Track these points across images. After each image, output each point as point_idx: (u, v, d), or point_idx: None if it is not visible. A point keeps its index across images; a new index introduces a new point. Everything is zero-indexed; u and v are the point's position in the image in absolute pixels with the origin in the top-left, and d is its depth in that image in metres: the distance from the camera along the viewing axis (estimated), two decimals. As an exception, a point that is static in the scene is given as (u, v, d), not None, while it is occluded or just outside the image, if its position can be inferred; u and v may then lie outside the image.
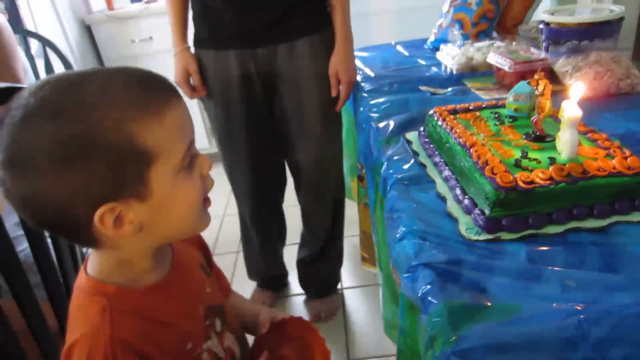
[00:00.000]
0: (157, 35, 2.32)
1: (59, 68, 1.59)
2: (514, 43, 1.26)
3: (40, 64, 1.63)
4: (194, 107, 2.31)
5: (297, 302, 1.64)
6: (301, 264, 1.58)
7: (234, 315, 0.69)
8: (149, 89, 0.48)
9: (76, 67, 2.02)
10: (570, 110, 0.62)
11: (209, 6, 1.15)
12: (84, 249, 1.48)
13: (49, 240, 0.77)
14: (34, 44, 1.75)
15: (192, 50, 1.24)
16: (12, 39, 1.22)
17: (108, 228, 0.47)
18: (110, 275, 0.52)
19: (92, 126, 0.44)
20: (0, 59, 1.15)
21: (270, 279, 1.64)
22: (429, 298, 0.53)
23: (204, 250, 0.70)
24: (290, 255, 1.62)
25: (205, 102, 1.31)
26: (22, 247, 0.99)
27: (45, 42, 1.60)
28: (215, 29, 1.18)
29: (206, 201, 0.55)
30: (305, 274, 1.59)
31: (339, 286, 1.65)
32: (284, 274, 1.68)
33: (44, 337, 0.74)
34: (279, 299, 1.66)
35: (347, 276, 1.71)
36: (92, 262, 0.54)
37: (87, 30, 2.36)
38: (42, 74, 1.62)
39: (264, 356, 0.63)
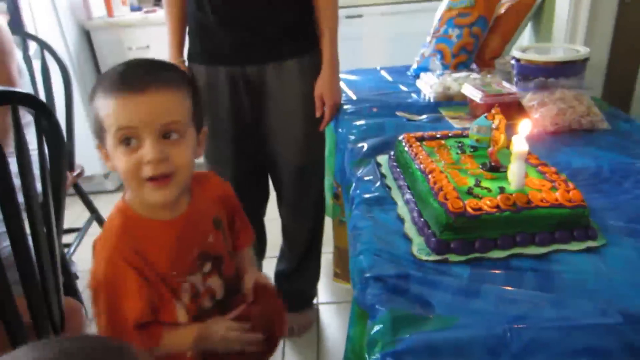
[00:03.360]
0: (154, 45, 2.38)
1: (55, 70, 1.64)
2: (489, 76, 1.33)
3: (37, 65, 1.67)
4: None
5: (273, 314, 1.66)
6: (279, 276, 1.61)
7: (233, 266, 0.87)
8: (117, 80, 0.68)
9: (72, 70, 2.06)
10: (518, 144, 0.68)
11: (203, 24, 1.21)
12: (65, 249, 1.50)
13: (30, 239, 0.81)
14: (33, 46, 1.80)
15: (187, 63, 1.30)
16: (9, 39, 1.27)
17: (104, 157, 0.73)
18: (133, 203, 0.76)
19: (90, 95, 0.72)
20: None
21: (249, 290, 1.67)
22: (377, 306, 0.58)
23: (229, 209, 0.89)
24: (269, 267, 1.66)
25: None
26: (6, 243, 1.02)
27: (43, 45, 1.65)
28: (207, 46, 1.24)
29: (150, 181, 0.70)
30: (283, 287, 1.62)
31: (314, 301, 1.68)
32: (262, 285, 1.71)
33: (17, 331, 0.77)
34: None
35: (323, 292, 1.74)
36: (127, 191, 0.77)
37: (86, 35, 2.42)
38: (38, 76, 1.66)
39: (237, 311, 0.80)
